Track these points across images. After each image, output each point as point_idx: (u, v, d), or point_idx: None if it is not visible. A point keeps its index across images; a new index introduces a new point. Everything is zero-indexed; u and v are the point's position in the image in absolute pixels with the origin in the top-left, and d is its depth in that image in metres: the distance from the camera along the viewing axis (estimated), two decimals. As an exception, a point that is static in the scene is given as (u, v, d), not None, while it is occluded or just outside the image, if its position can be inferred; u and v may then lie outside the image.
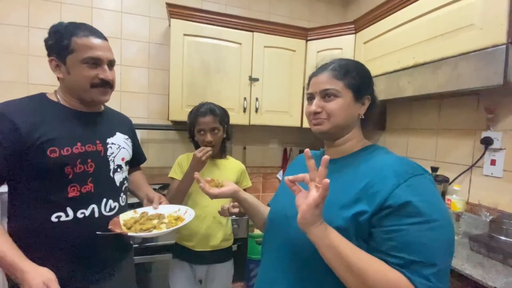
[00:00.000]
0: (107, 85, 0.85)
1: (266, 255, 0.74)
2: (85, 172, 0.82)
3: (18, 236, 0.73)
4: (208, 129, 1.20)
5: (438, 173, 1.46)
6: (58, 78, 0.84)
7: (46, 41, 0.81)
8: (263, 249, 0.77)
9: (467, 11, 1.12)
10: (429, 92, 1.25)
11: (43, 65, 1.76)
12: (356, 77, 0.66)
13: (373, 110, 0.69)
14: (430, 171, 1.47)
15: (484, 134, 1.31)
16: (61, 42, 0.78)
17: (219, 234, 1.25)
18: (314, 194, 0.52)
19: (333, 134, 0.68)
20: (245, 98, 1.86)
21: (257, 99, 1.88)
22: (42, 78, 1.75)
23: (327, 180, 0.50)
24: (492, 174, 1.29)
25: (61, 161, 0.77)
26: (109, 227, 0.80)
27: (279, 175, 2.37)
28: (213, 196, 0.81)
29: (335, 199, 0.60)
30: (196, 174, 0.80)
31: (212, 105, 1.24)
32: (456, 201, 1.27)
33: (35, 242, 0.76)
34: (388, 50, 1.48)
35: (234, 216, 1.57)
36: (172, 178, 1.28)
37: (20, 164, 0.74)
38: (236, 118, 1.85)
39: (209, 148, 1.14)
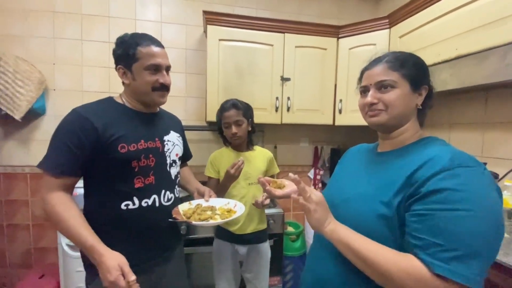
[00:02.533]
0: (165, 89, 0.95)
1: (316, 237, 0.79)
2: (148, 166, 0.91)
3: (92, 222, 0.83)
4: (233, 122, 1.28)
5: (485, 169, 1.39)
6: (123, 83, 0.95)
7: (114, 51, 0.92)
8: (315, 232, 0.80)
9: (516, -2, 1.07)
10: (475, 84, 1.19)
11: (94, 74, 1.96)
12: (412, 67, 0.65)
13: (430, 100, 0.69)
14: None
15: (539, 126, 1.22)
16: (128, 51, 0.88)
17: (256, 219, 1.35)
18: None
19: (390, 126, 0.67)
20: (277, 98, 1.90)
21: (288, 98, 1.92)
22: (94, 86, 1.95)
23: (293, 196, 0.64)
24: (548, 169, 1.20)
25: (129, 156, 0.87)
26: (173, 215, 0.89)
27: (310, 174, 2.38)
28: (278, 197, 0.84)
29: (377, 190, 0.62)
30: (262, 179, 0.83)
31: (235, 100, 1.33)
32: (508, 197, 1.20)
33: (107, 227, 0.86)
34: (427, 43, 1.43)
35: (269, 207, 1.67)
36: (209, 177, 1.40)
37: (96, 158, 0.85)
38: (269, 117, 1.90)
39: (240, 162, 1.18)
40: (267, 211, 1.61)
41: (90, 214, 0.86)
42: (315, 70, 1.95)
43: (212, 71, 1.80)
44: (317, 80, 1.96)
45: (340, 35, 1.94)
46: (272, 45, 1.87)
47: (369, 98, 0.66)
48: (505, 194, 1.22)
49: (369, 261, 0.55)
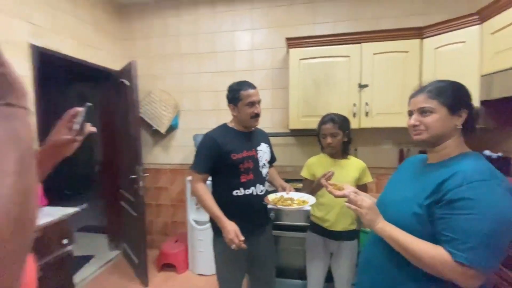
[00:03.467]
0: (258, 116, 1.37)
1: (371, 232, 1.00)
2: (248, 168, 1.36)
3: (217, 202, 1.31)
4: (329, 134, 1.48)
5: None
6: (232, 115, 1.40)
7: (227, 95, 1.39)
8: None
9: None
10: None
11: (207, 97, 2.62)
12: (450, 95, 0.79)
13: (472, 120, 0.80)
14: None
15: None
16: (235, 95, 1.34)
17: (346, 219, 1.50)
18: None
19: (430, 142, 0.83)
20: (354, 104, 2.03)
21: (367, 103, 2.01)
22: (207, 106, 2.62)
23: (346, 204, 0.89)
24: None
25: (238, 161, 1.33)
26: (265, 201, 1.30)
27: (394, 176, 2.35)
28: (337, 196, 1.05)
29: (416, 194, 0.81)
30: (325, 182, 1.11)
31: (333, 115, 1.50)
32: None
33: (225, 205, 1.32)
34: (526, 37, 1.31)
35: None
36: (304, 178, 1.64)
37: (218, 163, 1.34)
38: (346, 123, 2.06)
39: (330, 174, 1.27)
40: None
41: (215, 197, 1.35)
42: (395, 73, 1.97)
43: (293, 86, 2.12)
44: (398, 83, 1.98)
45: (424, 36, 1.90)
46: (348, 56, 2.02)
47: (412, 121, 0.84)
48: None
49: (409, 251, 0.75)
